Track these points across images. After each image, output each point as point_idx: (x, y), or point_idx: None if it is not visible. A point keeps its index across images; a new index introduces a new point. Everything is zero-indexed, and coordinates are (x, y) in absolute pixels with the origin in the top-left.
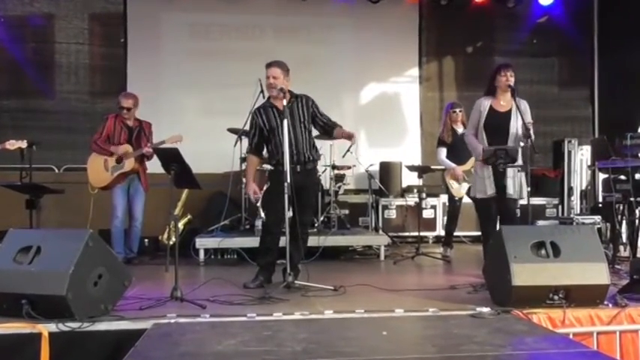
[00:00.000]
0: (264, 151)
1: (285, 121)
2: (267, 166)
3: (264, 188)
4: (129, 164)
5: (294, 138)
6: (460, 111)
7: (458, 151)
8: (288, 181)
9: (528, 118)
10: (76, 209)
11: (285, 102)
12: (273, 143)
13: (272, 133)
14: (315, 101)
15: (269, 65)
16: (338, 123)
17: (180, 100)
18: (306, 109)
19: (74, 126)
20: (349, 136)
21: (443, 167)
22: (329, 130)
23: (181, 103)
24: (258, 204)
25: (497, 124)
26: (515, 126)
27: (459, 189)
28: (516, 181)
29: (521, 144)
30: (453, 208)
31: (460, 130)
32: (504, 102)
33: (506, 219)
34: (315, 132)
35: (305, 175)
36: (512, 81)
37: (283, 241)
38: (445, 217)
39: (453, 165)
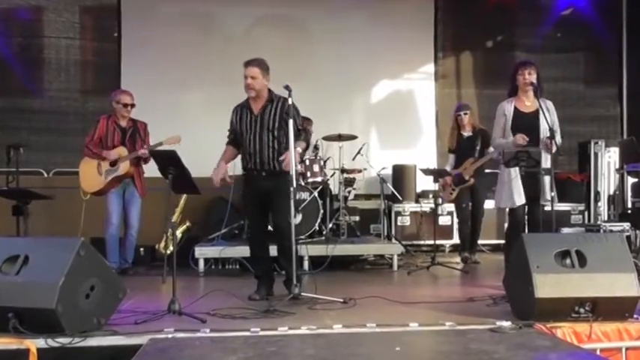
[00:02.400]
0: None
1: (291, 122)
2: None
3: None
4: (123, 168)
5: (258, 146)
6: (465, 114)
7: (461, 155)
8: (294, 185)
9: (554, 119)
10: (67, 216)
11: (292, 99)
12: (241, 145)
13: (241, 135)
14: (297, 107)
15: (247, 64)
16: (301, 138)
17: (177, 98)
18: (278, 116)
19: (64, 126)
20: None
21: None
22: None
23: (179, 102)
24: None
25: (525, 125)
26: (545, 127)
27: (447, 193)
28: (546, 184)
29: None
30: (461, 213)
31: (466, 134)
32: (529, 102)
33: (533, 225)
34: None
35: (272, 178)
36: (531, 79)
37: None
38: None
39: (447, 175)
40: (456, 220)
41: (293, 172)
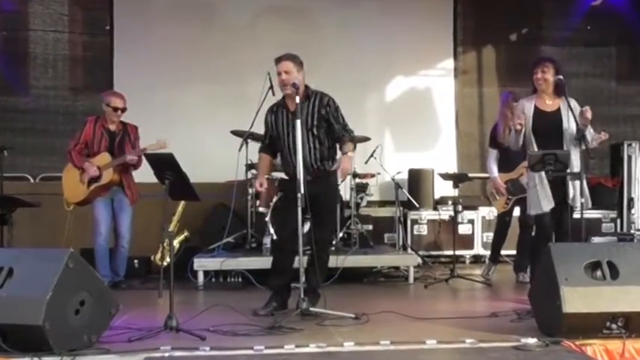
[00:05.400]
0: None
1: (298, 122)
2: (277, 175)
3: (274, 200)
4: (107, 176)
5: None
6: None
7: (508, 153)
8: (302, 191)
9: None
10: (54, 225)
11: (297, 100)
12: (280, 148)
13: (279, 138)
14: (336, 102)
15: (279, 59)
16: (348, 138)
17: (175, 97)
18: (316, 110)
19: (52, 128)
20: (343, 172)
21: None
22: (339, 139)
23: (177, 100)
24: (267, 218)
25: (548, 125)
26: (569, 127)
27: (500, 202)
28: (577, 189)
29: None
30: (501, 223)
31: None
32: (550, 100)
33: (561, 234)
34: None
35: (318, 184)
36: (545, 78)
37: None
38: (485, 234)
39: (495, 174)
40: (477, 229)
41: (301, 177)
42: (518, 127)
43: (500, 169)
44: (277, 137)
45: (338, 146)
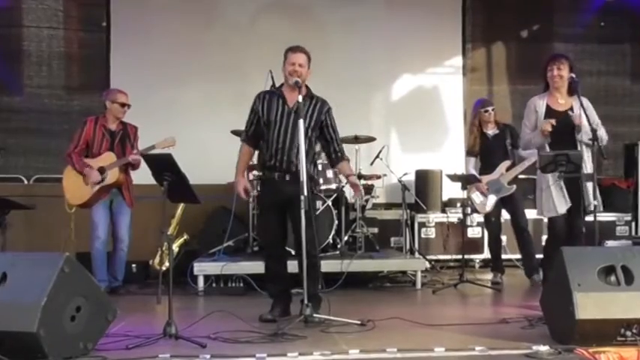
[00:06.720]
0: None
1: (301, 122)
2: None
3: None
4: (112, 175)
5: (288, 143)
6: (493, 109)
7: (488, 158)
8: (305, 193)
9: (595, 119)
10: (49, 228)
11: (300, 98)
12: (265, 139)
13: (267, 126)
14: (332, 111)
15: (295, 49)
16: (346, 156)
17: (174, 96)
18: (315, 115)
19: (47, 127)
20: (354, 187)
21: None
22: (333, 155)
23: (176, 99)
24: None
25: (560, 125)
26: (582, 127)
27: (483, 204)
28: (589, 191)
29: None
30: (491, 227)
31: (491, 132)
32: (562, 99)
33: (574, 237)
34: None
35: (296, 184)
36: (561, 75)
37: (296, 266)
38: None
39: (477, 181)
40: (486, 232)
41: (303, 178)
42: (549, 128)
43: (483, 174)
44: (266, 125)
45: (331, 163)
